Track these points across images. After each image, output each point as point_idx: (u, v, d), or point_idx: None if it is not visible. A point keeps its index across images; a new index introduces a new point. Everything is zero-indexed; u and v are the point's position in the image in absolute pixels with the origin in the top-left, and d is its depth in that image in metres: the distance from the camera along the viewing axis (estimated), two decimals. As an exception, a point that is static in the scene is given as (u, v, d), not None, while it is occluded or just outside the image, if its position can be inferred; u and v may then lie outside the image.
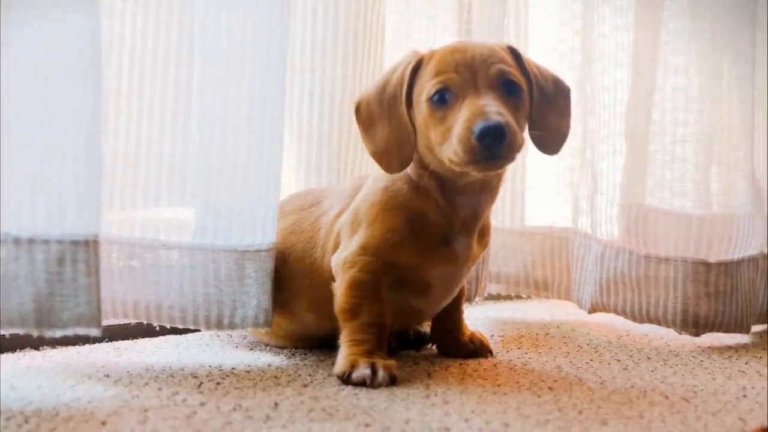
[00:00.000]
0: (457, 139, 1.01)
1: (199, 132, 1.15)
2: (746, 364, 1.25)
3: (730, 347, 1.37)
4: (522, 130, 1.07)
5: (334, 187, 1.27)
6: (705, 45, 1.44)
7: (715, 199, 1.47)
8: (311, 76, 1.36)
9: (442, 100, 1.05)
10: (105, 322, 1.26)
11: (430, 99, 1.06)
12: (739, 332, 1.42)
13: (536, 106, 1.11)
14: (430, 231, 1.11)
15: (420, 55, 1.10)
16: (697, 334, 1.40)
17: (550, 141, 1.14)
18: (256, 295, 1.15)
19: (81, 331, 0.99)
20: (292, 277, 1.18)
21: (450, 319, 1.25)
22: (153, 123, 1.17)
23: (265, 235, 1.16)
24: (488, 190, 1.13)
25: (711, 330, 1.39)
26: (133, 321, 1.17)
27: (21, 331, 0.98)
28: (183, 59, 1.17)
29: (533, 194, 1.66)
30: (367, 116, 1.12)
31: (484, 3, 1.47)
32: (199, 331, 1.31)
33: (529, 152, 1.64)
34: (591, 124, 1.51)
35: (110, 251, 1.15)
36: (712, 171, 1.46)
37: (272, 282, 1.16)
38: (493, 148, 1.00)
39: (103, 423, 0.87)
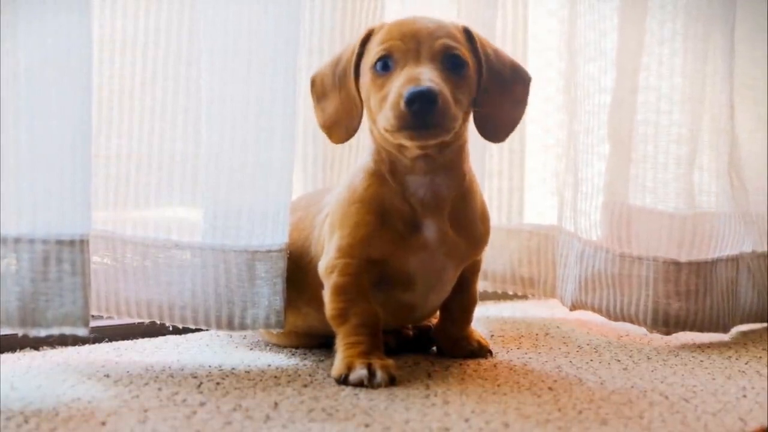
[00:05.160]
0: (390, 104, 1.02)
1: (209, 130, 1.15)
2: (746, 364, 1.25)
3: (730, 347, 1.37)
4: (462, 107, 1.07)
5: (334, 187, 1.27)
6: (688, 45, 1.44)
7: (695, 199, 1.47)
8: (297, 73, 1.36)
9: (385, 67, 1.06)
10: (106, 322, 1.27)
11: (373, 66, 1.07)
12: (715, 332, 1.42)
13: (486, 88, 1.11)
14: (395, 218, 1.11)
15: (371, 27, 1.12)
16: (668, 333, 1.40)
17: (499, 127, 1.14)
18: (267, 295, 1.15)
19: (67, 330, 0.99)
20: (295, 272, 1.18)
21: (453, 319, 1.23)
22: (165, 122, 1.18)
23: (275, 235, 1.16)
24: (443, 169, 1.11)
25: (683, 329, 1.40)
26: (146, 320, 1.18)
27: (6, 330, 0.99)
28: (193, 57, 1.18)
29: (526, 193, 1.66)
30: (320, 89, 1.15)
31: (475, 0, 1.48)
32: (200, 330, 1.31)
33: (528, 152, 1.66)
34: (576, 125, 1.51)
35: (125, 251, 1.15)
36: (691, 171, 1.46)
37: (284, 282, 1.16)
38: (422, 114, 1.00)
39: (103, 423, 0.87)
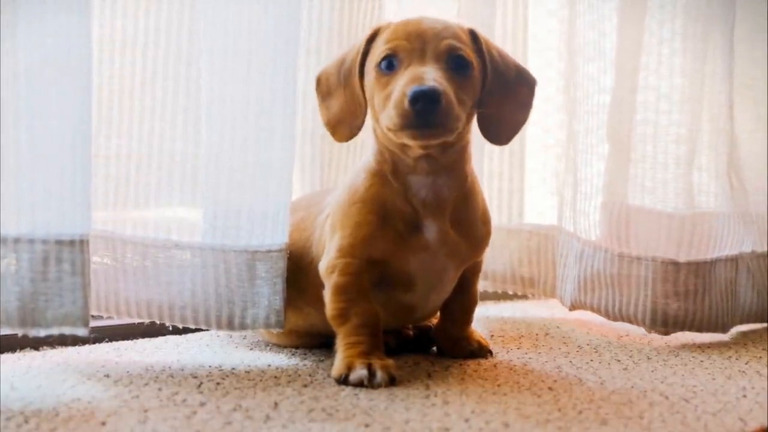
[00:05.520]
0: (393, 103, 1.03)
1: (209, 130, 1.15)
2: (746, 364, 1.25)
3: (730, 347, 1.37)
4: (466, 107, 1.08)
5: (335, 188, 1.27)
6: (687, 45, 1.44)
7: (694, 199, 1.47)
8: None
9: (390, 66, 1.07)
10: (106, 322, 1.27)
11: (378, 65, 1.08)
12: (714, 332, 1.42)
13: (490, 90, 1.12)
14: (396, 218, 1.11)
15: (377, 26, 1.13)
16: (666, 333, 1.40)
17: (502, 129, 1.15)
18: (267, 295, 1.15)
19: (67, 330, 0.99)
20: (296, 272, 1.18)
21: (454, 319, 1.23)
22: (165, 122, 1.18)
23: (275, 235, 1.16)
24: (445, 170, 1.12)
25: (682, 329, 1.40)
26: (146, 320, 1.18)
27: (6, 330, 0.99)
28: (193, 57, 1.18)
29: (526, 193, 1.66)
30: (325, 88, 1.16)
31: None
32: (200, 330, 1.31)
33: (528, 152, 1.66)
34: (575, 125, 1.51)
35: (125, 251, 1.15)
36: (690, 171, 1.46)
37: (284, 282, 1.16)
38: (425, 113, 1.01)
39: (103, 423, 0.87)
